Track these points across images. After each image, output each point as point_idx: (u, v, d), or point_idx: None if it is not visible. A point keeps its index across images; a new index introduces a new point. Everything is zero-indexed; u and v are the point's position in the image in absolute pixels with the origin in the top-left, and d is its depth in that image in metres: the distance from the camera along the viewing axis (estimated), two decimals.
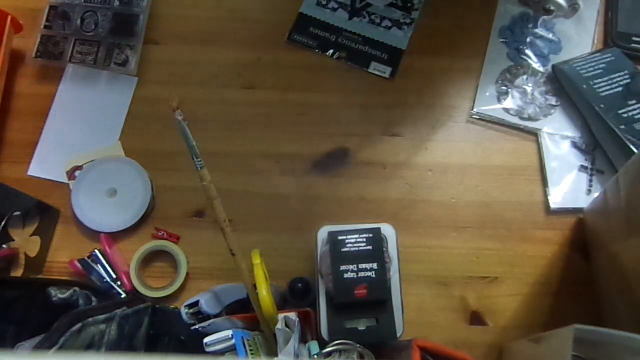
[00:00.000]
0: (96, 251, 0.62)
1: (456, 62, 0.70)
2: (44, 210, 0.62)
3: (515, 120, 0.67)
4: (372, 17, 0.71)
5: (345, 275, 0.52)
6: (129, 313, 0.53)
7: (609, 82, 0.65)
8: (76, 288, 0.54)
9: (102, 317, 0.49)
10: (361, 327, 0.53)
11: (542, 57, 0.69)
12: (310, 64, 0.69)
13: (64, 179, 0.65)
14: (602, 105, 0.63)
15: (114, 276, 0.61)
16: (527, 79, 0.68)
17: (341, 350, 0.51)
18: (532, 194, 0.65)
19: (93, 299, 0.56)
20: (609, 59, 0.66)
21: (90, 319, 0.47)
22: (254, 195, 0.65)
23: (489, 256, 0.63)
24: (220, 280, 0.60)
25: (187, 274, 0.62)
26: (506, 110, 0.67)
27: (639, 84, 0.63)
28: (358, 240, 0.53)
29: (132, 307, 0.54)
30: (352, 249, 0.53)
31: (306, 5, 0.71)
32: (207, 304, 0.56)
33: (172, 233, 0.64)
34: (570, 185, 0.65)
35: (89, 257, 0.62)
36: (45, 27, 0.69)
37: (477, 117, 0.67)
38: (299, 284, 0.58)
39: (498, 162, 0.66)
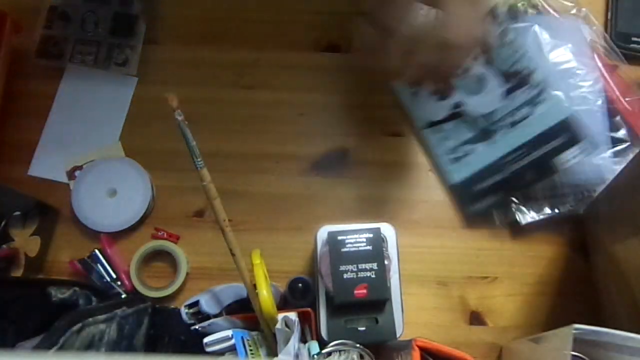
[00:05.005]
0: (96, 251, 0.62)
1: None
2: (44, 210, 0.62)
3: None
4: None
5: (345, 276, 0.52)
6: (129, 313, 0.53)
7: None
8: (76, 288, 0.54)
9: (102, 317, 0.49)
10: (361, 327, 0.53)
11: None
12: (310, 64, 0.69)
13: (64, 179, 0.65)
14: None
15: (114, 276, 0.61)
16: None
17: (341, 350, 0.51)
18: None
19: (93, 299, 0.56)
20: None
21: (90, 319, 0.47)
22: (254, 195, 0.65)
23: (489, 256, 0.63)
24: (220, 280, 0.60)
25: (187, 274, 0.62)
26: None
27: None
28: (358, 240, 0.53)
29: (132, 307, 0.54)
30: (352, 249, 0.53)
31: None
32: (207, 304, 0.56)
33: (172, 233, 0.64)
34: None
35: (89, 257, 0.62)
36: (45, 27, 0.69)
37: None
38: (299, 284, 0.58)
39: None
